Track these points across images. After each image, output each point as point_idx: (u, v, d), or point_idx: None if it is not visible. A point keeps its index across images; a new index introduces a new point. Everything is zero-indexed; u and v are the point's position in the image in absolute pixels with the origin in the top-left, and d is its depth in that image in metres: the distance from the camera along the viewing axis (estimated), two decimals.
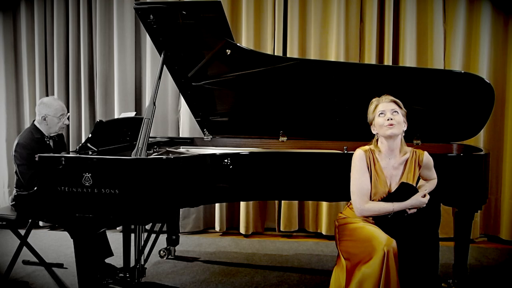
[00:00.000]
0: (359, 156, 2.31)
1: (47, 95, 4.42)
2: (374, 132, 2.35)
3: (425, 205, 2.26)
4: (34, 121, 3.08)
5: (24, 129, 3.28)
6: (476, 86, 2.78)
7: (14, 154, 2.92)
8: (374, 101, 2.37)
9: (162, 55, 2.85)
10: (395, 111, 2.28)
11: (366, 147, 2.36)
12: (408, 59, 3.92)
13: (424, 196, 2.26)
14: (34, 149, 2.91)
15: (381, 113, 2.29)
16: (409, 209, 2.28)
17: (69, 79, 4.39)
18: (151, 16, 2.69)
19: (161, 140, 3.43)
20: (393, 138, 2.28)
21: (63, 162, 2.31)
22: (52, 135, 3.08)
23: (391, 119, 2.25)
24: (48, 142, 3.08)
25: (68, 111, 3.18)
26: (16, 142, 2.97)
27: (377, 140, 2.35)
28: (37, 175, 2.42)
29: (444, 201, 2.64)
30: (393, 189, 2.31)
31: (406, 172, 2.33)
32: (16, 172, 2.96)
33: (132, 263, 2.76)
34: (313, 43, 4.04)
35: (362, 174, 2.29)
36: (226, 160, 2.58)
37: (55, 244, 3.88)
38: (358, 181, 2.29)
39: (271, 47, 4.10)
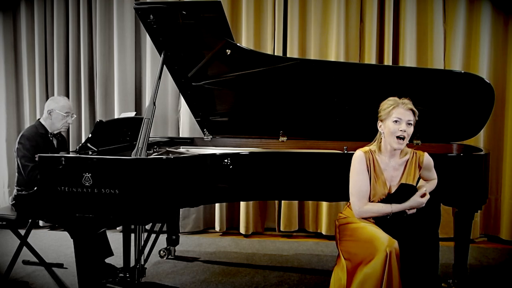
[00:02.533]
0: (358, 157, 2.30)
1: (47, 95, 4.43)
2: (380, 130, 2.32)
3: (424, 205, 2.26)
4: (39, 119, 3.13)
5: (25, 127, 3.31)
6: (476, 86, 2.78)
7: (17, 147, 2.95)
8: (393, 101, 2.28)
9: (162, 55, 2.85)
10: (409, 123, 2.24)
11: (366, 148, 2.35)
12: (408, 59, 3.92)
13: (423, 196, 2.26)
14: (38, 143, 2.97)
15: (397, 120, 2.24)
16: (409, 209, 2.28)
17: (69, 79, 4.39)
18: (151, 16, 2.69)
19: (161, 140, 3.43)
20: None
21: (63, 162, 2.31)
22: (55, 132, 3.10)
23: (404, 131, 2.22)
24: (51, 139, 3.10)
25: (74, 113, 3.21)
26: (20, 135, 3.01)
27: (380, 138, 2.33)
28: (37, 169, 2.42)
29: (444, 201, 2.64)
30: (393, 190, 2.30)
31: (406, 173, 2.33)
32: (17, 166, 2.97)
33: (132, 263, 2.76)
34: (313, 43, 4.04)
35: (361, 176, 2.28)
36: (226, 160, 2.58)
37: (55, 244, 3.88)
38: (357, 183, 2.29)
39: (271, 47, 4.10)
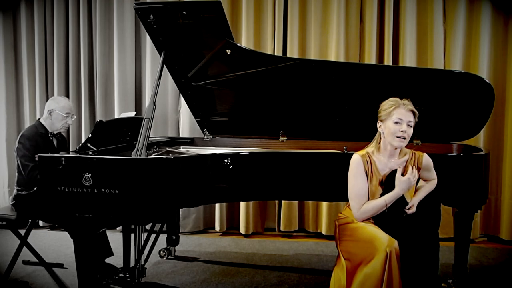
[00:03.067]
0: (356, 161, 2.29)
1: (47, 95, 4.44)
2: (380, 130, 2.31)
3: (411, 182, 2.21)
4: (39, 118, 3.13)
5: (25, 127, 3.31)
6: (476, 86, 2.78)
7: (17, 147, 2.95)
8: (393, 101, 2.27)
9: (162, 55, 2.85)
10: (410, 124, 2.23)
11: (363, 151, 2.34)
12: (408, 59, 3.92)
13: (404, 174, 2.23)
14: (38, 142, 2.97)
15: (398, 122, 2.23)
16: (408, 209, 2.28)
17: (69, 79, 4.39)
18: (151, 16, 2.69)
19: (161, 140, 3.43)
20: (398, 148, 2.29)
21: (63, 162, 2.31)
22: (55, 132, 3.10)
23: (405, 131, 2.21)
24: (51, 138, 3.10)
25: (74, 114, 3.21)
26: (20, 134, 3.02)
27: (380, 138, 2.33)
28: (37, 168, 2.42)
29: (444, 201, 2.64)
30: None
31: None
32: (17, 166, 2.97)
33: (132, 263, 2.76)
34: (313, 43, 4.04)
35: (359, 180, 2.27)
36: (226, 160, 2.58)
37: (55, 244, 3.88)
38: (355, 187, 2.28)
39: (271, 47, 4.10)
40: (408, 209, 2.28)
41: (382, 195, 2.27)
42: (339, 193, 2.55)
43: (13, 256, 3.04)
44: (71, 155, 2.41)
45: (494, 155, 3.82)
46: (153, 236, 3.16)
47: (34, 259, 3.23)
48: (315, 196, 2.93)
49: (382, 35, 4.00)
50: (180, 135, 4.20)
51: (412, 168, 2.24)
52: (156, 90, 2.73)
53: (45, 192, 2.35)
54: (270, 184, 2.67)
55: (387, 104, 2.28)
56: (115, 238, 3.44)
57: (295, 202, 4.16)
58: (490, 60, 3.90)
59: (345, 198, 2.41)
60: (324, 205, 4.09)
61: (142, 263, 2.89)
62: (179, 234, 3.72)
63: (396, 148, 2.28)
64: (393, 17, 3.95)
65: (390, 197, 2.22)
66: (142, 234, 2.90)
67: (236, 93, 3.20)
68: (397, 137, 2.22)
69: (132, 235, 2.70)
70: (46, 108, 3.08)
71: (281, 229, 4.19)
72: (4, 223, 2.92)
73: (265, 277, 3.18)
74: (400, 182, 2.21)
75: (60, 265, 3.32)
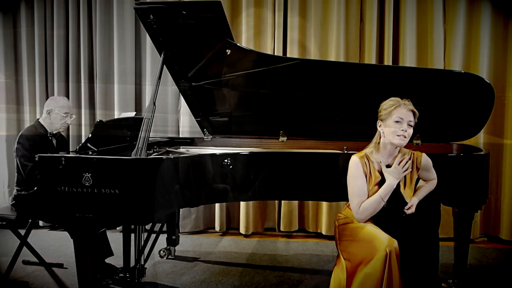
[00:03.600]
0: (354, 163, 2.29)
1: (47, 95, 4.43)
2: (380, 129, 2.31)
3: (400, 171, 2.21)
4: (38, 118, 3.13)
5: (26, 127, 3.31)
6: (476, 86, 2.78)
7: (16, 146, 2.96)
8: (394, 101, 2.27)
9: (162, 55, 2.85)
10: (410, 124, 2.24)
11: (362, 152, 2.34)
12: (408, 59, 3.92)
13: (389, 165, 2.23)
14: (37, 142, 2.98)
15: (398, 121, 2.23)
16: (407, 209, 2.27)
17: (69, 79, 4.39)
18: (151, 16, 2.69)
19: (161, 140, 3.43)
20: (397, 147, 2.29)
21: (63, 162, 2.31)
22: (54, 132, 3.10)
23: (405, 131, 2.22)
24: (50, 138, 3.10)
25: (73, 113, 3.21)
26: (19, 134, 3.02)
27: (379, 137, 2.32)
28: (36, 168, 2.42)
29: (444, 201, 2.64)
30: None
31: None
32: (17, 166, 2.97)
33: (132, 263, 2.76)
34: (313, 43, 4.05)
35: (359, 181, 2.27)
36: (226, 160, 2.58)
37: (55, 244, 3.88)
38: (355, 188, 2.28)
39: (271, 47, 4.10)
40: (408, 209, 2.28)
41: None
42: (339, 193, 2.56)
43: (13, 256, 3.04)
44: (71, 155, 2.41)
45: (494, 155, 3.82)
46: (153, 236, 3.16)
47: (34, 259, 3.23)
48: (315, 196, 2.92)
49: (382, 35, 4.00)
50: (180, 135, 4.19)
51: (401, 159, 2.23)
52: (156, 90, 2.73)
53: (45, 192, 2.34)
54: (270, 184, 2.67)
55: (388, 104, 2.28)
56: (115, 238, 3.44)
57: (295, 202, 4.16)
58: (490, 60, 3.90)
59: (345, 198, 2.40)
60: (324, 205, 4.09)
61: (142, 263, 2.89)
62: (179, 234, 3.73)
63: (396, 147, 2.28)
64: (393, 17, 3.95)
65: (383, 190, 2.22)
66: (142, 234, 2.90)
67: (236, 93, 3.20)
68: (398, 135, 2.23)
69: (132, 235, 2.70)
70: (45, 108, 3.09)
71: (281, 229, 4.20)
72: (4, 223, 2.92)
73: (265, 277, 3.18)
74: (388, 173, 2.22)
75: (60, 265, 3.32)
